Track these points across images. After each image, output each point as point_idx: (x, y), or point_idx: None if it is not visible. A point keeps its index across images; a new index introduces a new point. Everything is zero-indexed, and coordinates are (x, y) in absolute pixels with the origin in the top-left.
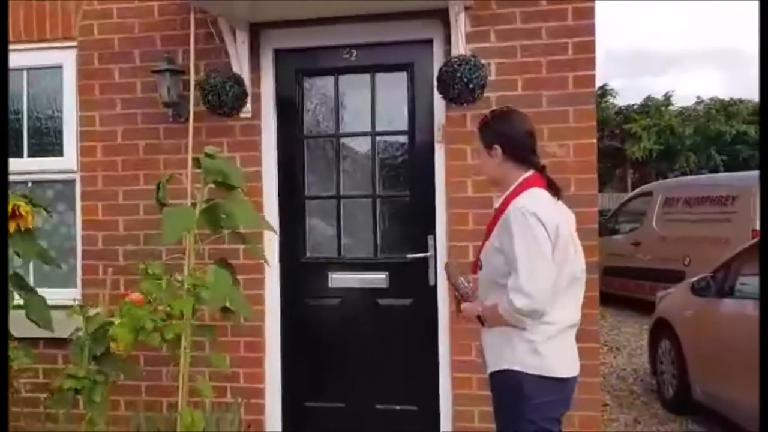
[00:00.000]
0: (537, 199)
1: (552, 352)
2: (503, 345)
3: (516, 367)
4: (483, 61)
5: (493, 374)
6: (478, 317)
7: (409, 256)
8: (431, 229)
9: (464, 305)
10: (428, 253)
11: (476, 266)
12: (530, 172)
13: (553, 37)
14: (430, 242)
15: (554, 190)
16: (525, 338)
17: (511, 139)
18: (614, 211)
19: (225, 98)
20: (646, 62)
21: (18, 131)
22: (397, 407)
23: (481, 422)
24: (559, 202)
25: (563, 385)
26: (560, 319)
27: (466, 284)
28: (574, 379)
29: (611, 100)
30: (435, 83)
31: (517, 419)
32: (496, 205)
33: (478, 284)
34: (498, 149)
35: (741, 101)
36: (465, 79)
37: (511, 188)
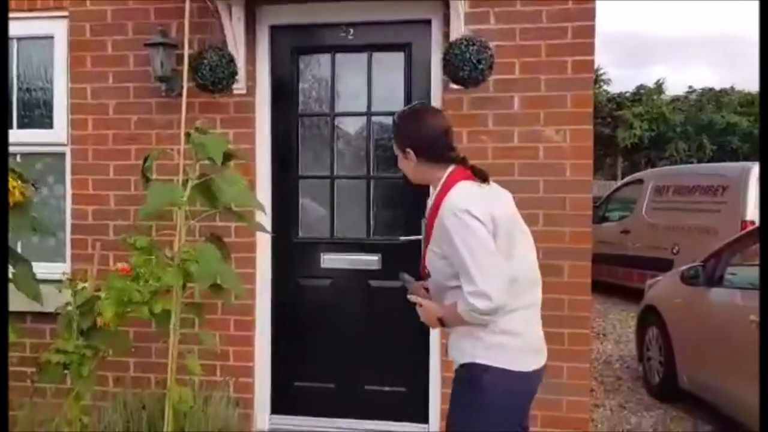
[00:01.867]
0: (464, 193)
1: (516, 344)
2: (466, 339)
3: (479, 361)
4: (487, 42)
5: (457, 369)
6: (439, 319)
7: (402, 238)
8: (425, 211)
9: (421, 309)
10: (421, 236)
11: (425, 272)
12: (451, 168)
13: (553, 20)
14: (424, 225)
15: (481, 177)
16: (490, 330)
17: (423, 141)
18: (604, 199)
19: (213, 76)
20: (639, 50)
21: (7, 102)
22: (387, 389)
23: None
24: (492, 185)
25: (527, 378)
26: (522, 305)
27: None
28: (537, 372)
29: (604, 87)
30: (441, 64)
31: (477, 415)
32: (430, 202)
33: (430, 290)
34: (411, 153)
35: (733, 89)
36: (474, 61)
37: (438, 188)
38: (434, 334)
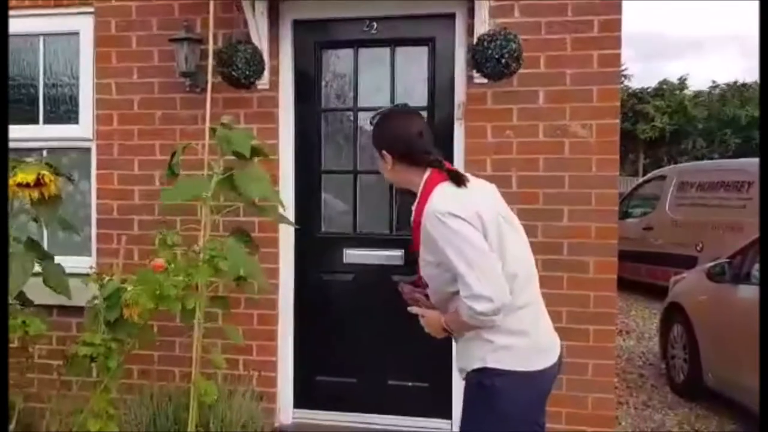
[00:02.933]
0: (445, 195)
1: (525, 344)
2: (475, 343)
3: (490, 365)
4: (512, 34)
5: (468, 374)
6: (444, 328)
7: None
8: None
9: (424, 321)
10: None
11: (420, 282)
12: (428, 172)
13: (579, 13)
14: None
15: (456, 181)
16: (498, 331)
17: (398, 143)
18: (626, 195)
19: (248, 68)
20: (661, 46)
21: (34, 98)
22: (409, 384)
23: None
24: (474, 182)
25: (538, 377)
26: (526, 302)
27: (423, 296)
28: (550, 369)
29: (626, 83)
30: (465, 59)
31: (492, 419)
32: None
33: (432, 299)
34: (387, 155)
35: (756, 84)
36: (496, 56)
37: (419, 194)
38: None
